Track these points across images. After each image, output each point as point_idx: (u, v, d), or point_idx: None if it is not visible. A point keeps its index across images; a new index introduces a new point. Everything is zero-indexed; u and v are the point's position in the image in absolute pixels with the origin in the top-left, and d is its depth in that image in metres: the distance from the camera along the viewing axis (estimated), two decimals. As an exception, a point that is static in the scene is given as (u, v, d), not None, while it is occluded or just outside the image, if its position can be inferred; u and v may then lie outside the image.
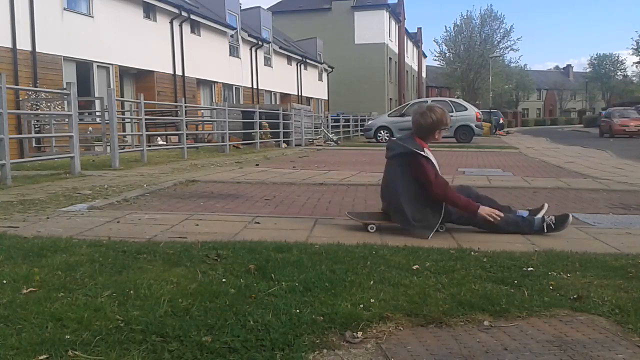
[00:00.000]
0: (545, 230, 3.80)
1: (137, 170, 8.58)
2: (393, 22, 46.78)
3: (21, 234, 3.59)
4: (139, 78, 18.44)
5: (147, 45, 17.82)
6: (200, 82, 21.77)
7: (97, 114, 13.85)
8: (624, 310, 2.23)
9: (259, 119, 16.16)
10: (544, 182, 7.42)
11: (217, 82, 22.89)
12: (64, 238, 3.42)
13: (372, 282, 2.53)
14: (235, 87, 24.70)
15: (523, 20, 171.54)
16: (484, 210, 3.77)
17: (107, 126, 10.04)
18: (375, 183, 7.10)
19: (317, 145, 19.24)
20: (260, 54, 27.04)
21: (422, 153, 3.86)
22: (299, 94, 32.12)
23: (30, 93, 12.78)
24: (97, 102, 13.68)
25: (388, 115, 22.78)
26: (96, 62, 15.67)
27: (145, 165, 9.61)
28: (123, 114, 15.31)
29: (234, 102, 22.70)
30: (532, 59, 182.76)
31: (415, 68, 59.19)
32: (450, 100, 22.98)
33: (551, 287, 2.51)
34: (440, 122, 3.96)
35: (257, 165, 10.15)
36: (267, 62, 28.07)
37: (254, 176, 7.89)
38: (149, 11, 18.14)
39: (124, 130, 15.49)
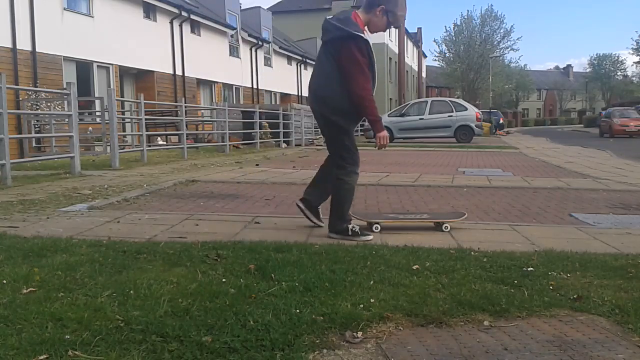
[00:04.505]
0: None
1: (137, 170, 8.57)
2: (393, 22, 46.67)
3: (21, 234, 3.59)
4: (139, 78, 18.45)
5: (147, 45, 17.83)
6: (200, 82, 21.78)
7: (97, 114, 13.85)
8: (624, 310, 2.23)
9: (259, 119, 16.16)
10: (544, 182, 7.42)
11: (217, 82, 22.89)
12: (64, 238, 3.41)
13: (372, 282, 2.53)
14: (235, 87, 24.71)
15: (523, 20, 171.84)
16: (383, 134, 3.59)
17: (107, 126, 10.04)
18: (375, 183, 7.10)
19: (317, 145, 19.22)
20: (260, 54, 27.04)
21: (362, 35, 3.40)
22: (299, 94, 32.12)
23: (30, 93, 12.78)
24: (97, 102, 13.69)
25: (388, 115, 22.72)
26: (96, 62, 15.68)
27: (145, 165, 9.61)
28: (123, 114, 15.30)
29: (234, 102, 22.70)
30: (532, 59, 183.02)
31: (415, 68, 59.14)
32: (450, 100, 22.96)
33: (551, 287, 2.51)
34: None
35: (257, 165, 10.14)
36: (267, 62, 28.07)
37: (254, 176, 7.89)
38: (149, 11, 18.15)
39: (124, 130, 15.50)
